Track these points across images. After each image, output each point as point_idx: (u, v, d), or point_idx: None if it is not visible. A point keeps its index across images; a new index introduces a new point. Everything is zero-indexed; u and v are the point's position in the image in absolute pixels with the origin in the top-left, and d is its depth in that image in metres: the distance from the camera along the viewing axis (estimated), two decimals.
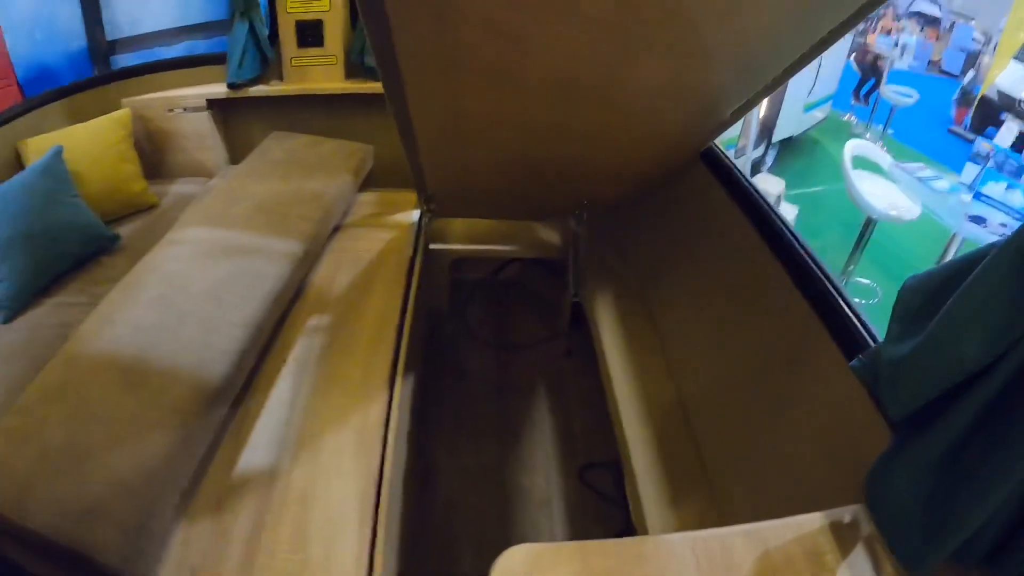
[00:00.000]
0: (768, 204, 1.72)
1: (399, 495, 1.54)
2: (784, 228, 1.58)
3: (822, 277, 1.37)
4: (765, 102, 5.51)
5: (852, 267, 3.77)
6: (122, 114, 2.73)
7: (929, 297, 0.74)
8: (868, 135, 7.78)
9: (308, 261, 2.26)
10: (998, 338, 0.62)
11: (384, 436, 1.69)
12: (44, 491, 1.38)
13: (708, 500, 1.58)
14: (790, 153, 6.40)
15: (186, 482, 1.54)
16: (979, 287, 0.65)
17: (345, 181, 2.63)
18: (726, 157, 2.02)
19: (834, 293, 1.31)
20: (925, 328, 0.71)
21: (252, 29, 2.72)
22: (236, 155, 3.06)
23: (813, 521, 0.93)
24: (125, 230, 2.54)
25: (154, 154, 2.95)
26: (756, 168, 5.17)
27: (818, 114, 7.05)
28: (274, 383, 1.87)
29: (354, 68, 2.83)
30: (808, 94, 6.16)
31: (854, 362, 0.85)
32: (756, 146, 4.96)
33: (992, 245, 0.66)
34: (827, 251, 4.68)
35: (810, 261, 1.44)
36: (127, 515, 1.35)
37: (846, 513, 0.91)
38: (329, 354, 1.98)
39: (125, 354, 1.69)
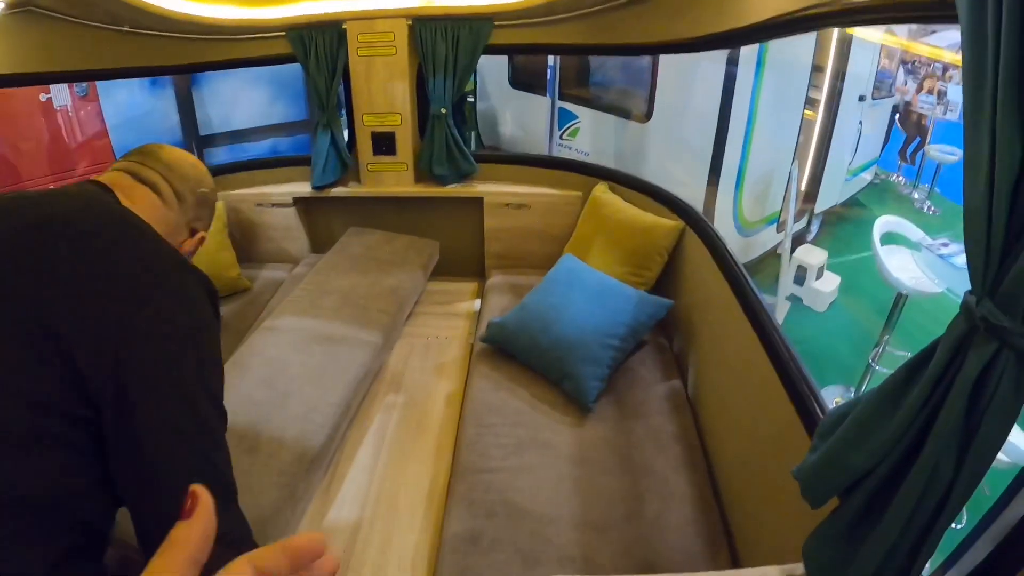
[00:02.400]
0: (747, 280, 1.95)
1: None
2: (761, 311, 1.78)
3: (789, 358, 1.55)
4: (806, 172, 5.68)
5: (887, 337, 3.86)
6: (219, 207, 3.11)
7: (837, 421, 0.99)
8: (915, 194, 7.83)
9: (387, 348, 2.55)
10: (874, 452, 0.89)
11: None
12: None
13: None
14: (836, 219, 6.51)
15: (292, 529, 1.80)
16: (861, 415, 0.93)
17: (416, 275, 2.93)
18: (715, 234, 2.28)
19: (798, 375, 1.48)
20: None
21: (333, 139, 3.09)
22: (317, 244, 3.43)
23: (769, 572, 1.13)
24: (224, 311, 2.88)
25: (244, 242, 3.33)
26: (799, 241, 5.31)
27: (866, 176, 7.14)
28: (357, 451, 2.15)
29: (422, 174, 3.15)
30: (851, 160, 6.28)
31: (795, 470, 1.06)
32: (798, 219, 5.11)
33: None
34: (866, 320, 4.78)
35: (778, 338, 1.63)
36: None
37: (796, 568, 1.11)
38: (404, 428, 2.24)
39: (240, 423, 1.98)
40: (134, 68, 2.89)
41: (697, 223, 2.46)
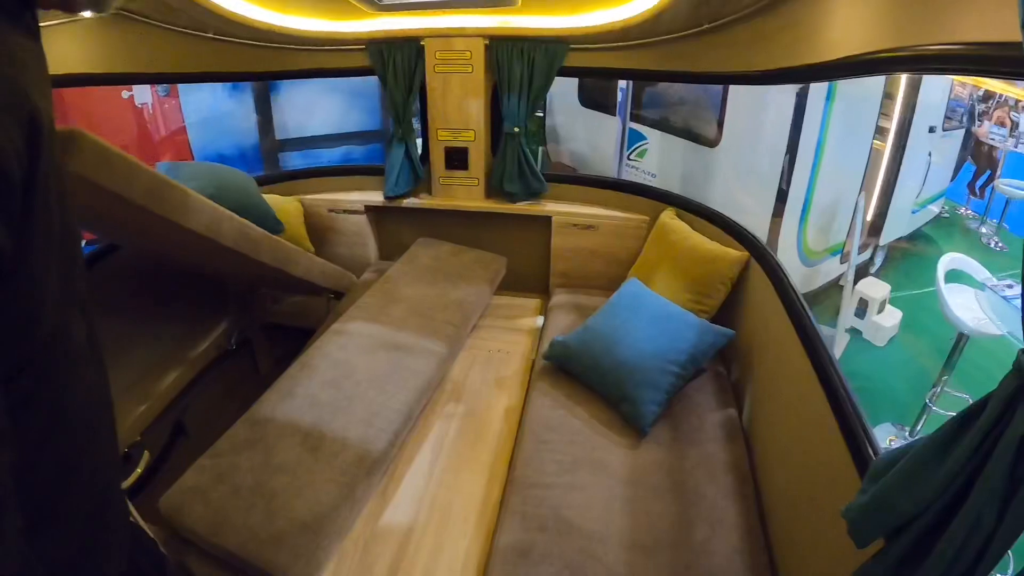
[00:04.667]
0: (808, 315, 1.96)
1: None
2: (820, 348, 1.78)
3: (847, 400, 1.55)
4: (872, 203, 5.58)
5: (946, 378, 3.77)
6: (297, 207, 3.30)
7: (888, 465, 1.02)
8: (983, 228, 7.60)
9: (450, 359, 2.62)
10: (921, 498, 0.92)
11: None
12: (236, 519, 1.76)
13: None
14: (900, 253, 6.36)
15: (348, 527, 1.88)
16: (912, 462, 0.96)
17: (482, 289, 3.01)
18: (780, 267, 2.30)
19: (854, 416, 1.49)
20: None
21: (407, 151, 3.20)
22: (385, 251, 3.56)
23: None
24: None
25: (315, 244, 3.46)
26: (862, 273, 5.22)
27: (933, 208, 6.96)
28: (415, 456, 2.22)
29: (493, 190, 3.24)
30: (919, 192, 6.14)
31: (844, 509, 1.09)
32: (863, 250, 5.02)
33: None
34: (925, 358, 4.66)
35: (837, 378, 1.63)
36: (302, 546, 1.70)
37: None
38: (462, 438, 2.31)
39: (305, 422, 2.09)
40: (216, 73, 3.04)
41: (762, 255, 2.47)
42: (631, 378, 2.25)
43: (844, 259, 4.97)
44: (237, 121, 4.60)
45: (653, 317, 2.43)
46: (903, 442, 1.46)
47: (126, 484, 2.77)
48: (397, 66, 3.04)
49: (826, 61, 1.87)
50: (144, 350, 3.08)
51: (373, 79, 3.23)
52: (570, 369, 2.46)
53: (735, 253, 2.57)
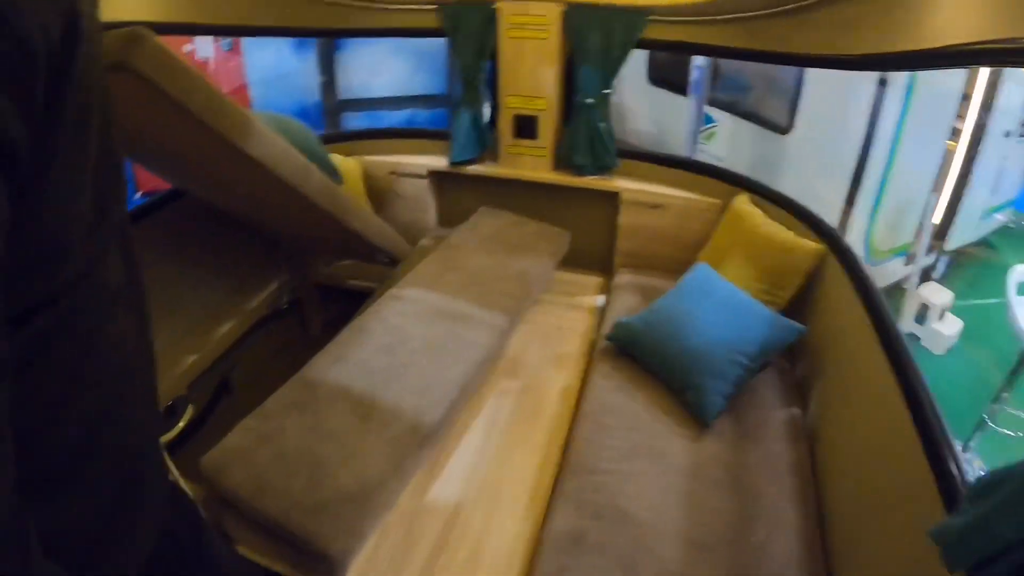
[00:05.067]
0: (890, 315, 1.87)
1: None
2: (903, 352, 1.70)
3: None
4: (941, 205, 5.36)
5: (1006, 395, 3.62)
6: (358, 168, 3.28)
7: (991, 486, 0.97)
8: None
9: (508, 332, 2.55)
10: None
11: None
12: (279, 485, 1.72)
13: None
14: (964, 259, 6.13)
15: (393, 501, 1.85)
16: (1019, 485, 0.91)
17: (544, 263, 2.93)
18: (860, 262, 2.21)
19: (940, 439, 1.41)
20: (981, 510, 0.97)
21: (475, 117, 3.13)
22: (446, 218, 3.49)
23: None
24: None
25: (375, 207, 3.42)
26: (924, 277, 5.04)
27: (1000, 217, 6.69)
28: (467, 431, 2.17)
29: (560, 162, 3.14)
30: (989, 198, 5.89)
31: (931, 528, 1.04)
32: (928, 251, 4.84)
33: None
34: (986, 372, 4.50)
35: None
36: (346, 517, 1.66)
37: None
38: (516, 416, 2.25)
39: (356, 388, 2.05)
40: (283, 28, 2.99)
41: (842, 249, 2.36)
42: (697, 366, 2.18)
43: (909, 261, 4.79)
44: (300, 79, 4.56)
45: (723, 305, 2.34)
46: None
47: (167, 438, 2.77)
48: (469, 29, 2.95)
49: (929, 48, 1.76)
50: (196, 301, 3.07)
51: (441, 41, 3.16)
52: (633, 352, 2.39)
53: (812, 245, 2.46)
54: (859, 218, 4.44)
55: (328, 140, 3.42)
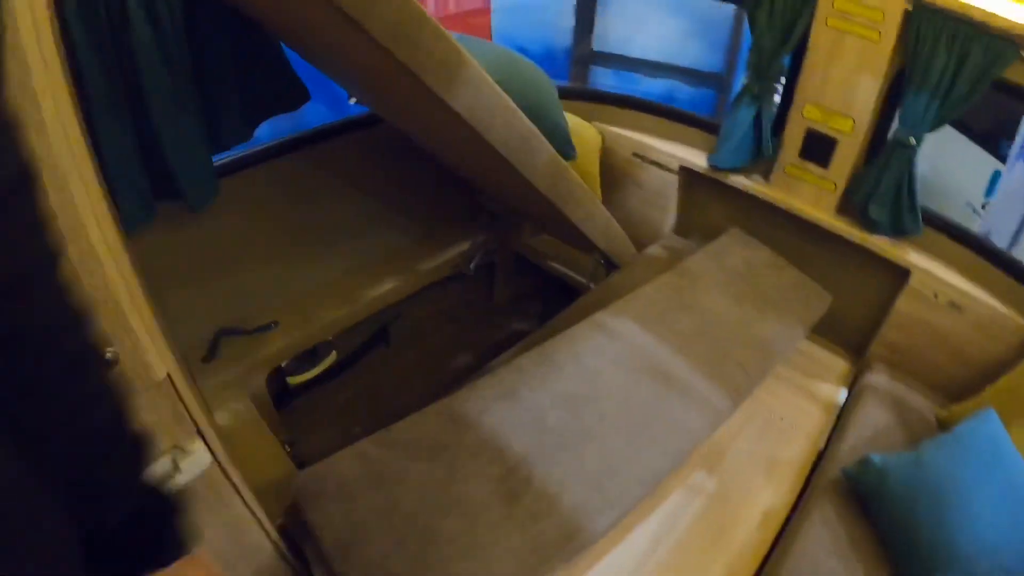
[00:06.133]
0: None
1: None
2: None
3: None
4: None
5: None
6: (596, 139, 2.85)
7: None
8: None
9: (727, 418, 2.00)
10: None
11: None
12: (374, 550, 1.37)
13: None
14: None
15: None
16: None
17: (794, 331, 2.32)
18: None
19: None
20: None
21: (758, 117, 2.52)
22: (684, 226, 2.95)
23: None
24: None
25: (605, 188, 2.96)
26: None
27: None
28: (633, 529, 1.72)
29: (849, 206, 2.45)
30: None
31: None
32: None
33: None
34: None
35: None
36: None
37: None
38: (700, 529, 1.77)
39: (515, 448, 1.63)
40: None
41: None
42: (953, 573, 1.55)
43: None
44: (551, 16, 4.11)
45: (1012, 491, 1.66)
46: None
47: (300, 380, 2.62)
48: (777, 4, 2.32)
49: None
50: (372, 242, 2.85)
51: (729, 8, 2.54)
52: (871, 506, 1.78)
53: None
54: None
55: (569, 95, 2.95)
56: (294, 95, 2.32)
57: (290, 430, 2.59)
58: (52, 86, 0.80)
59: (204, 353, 2.36)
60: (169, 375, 1.00)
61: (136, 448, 0.83)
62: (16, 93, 0.67)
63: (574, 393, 1.81)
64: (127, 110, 1.89)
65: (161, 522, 0.89)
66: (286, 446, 2.28)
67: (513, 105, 1.79)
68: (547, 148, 1.98)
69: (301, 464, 2.11)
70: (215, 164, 2.19)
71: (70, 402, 0.71)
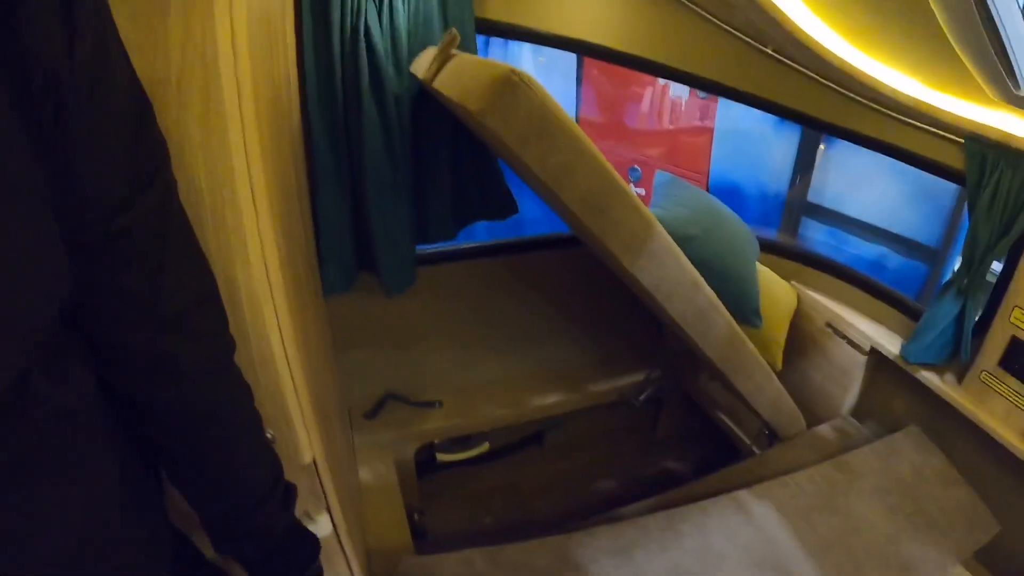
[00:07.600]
0: None
1: None
2: None
3: None
4: None
5: None
6: (794, 295, 2.88)
7: None
8: None
9: None
10: None
11: None
12: None
13: None
14: None
15: None
16: None
17: (945, 561, 2.05)
18: None
19: None
20: None
21: (962, 314, 2.33)
22: (862, 410, 2.79)
23: None
24: None
25: (789, 352, 2.89)
26: None
27: None
28: None
29: None
30: None
31: None
32: None
33: None
34: None
35: None
36: None
37: None
38: None
39: None
40: (760, 99, 2.58)
41: None
42: None
43: None
44: (769, 150, 4.09)
45: None
46: None
47: (448, 459, 2.83)
48: (1001, 188, 2.10)
49: None
50: (547, 351, 3.00)
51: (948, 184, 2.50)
52: None
53: None
54: None
55: (770, 249, 2.98)
56: (503, 206, 2.57)
57: (424, 500, 2.73)
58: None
59: (368, 409, 2.62)
60: (314, 460, 1.14)
61: (288, 494, 0.99)
62: None
63: (687, 570, 1.77)
64: (348, 191, 2.18)
65: (308, 553, 1.06)
66: (415, 514, 2.45)
67: (698, 279, 1.80)
68: (725, 321, 1.97)
69: (423, 535, 2.29)
70: (418, 252, 2.47)
71: (249, 450, 0.90)
